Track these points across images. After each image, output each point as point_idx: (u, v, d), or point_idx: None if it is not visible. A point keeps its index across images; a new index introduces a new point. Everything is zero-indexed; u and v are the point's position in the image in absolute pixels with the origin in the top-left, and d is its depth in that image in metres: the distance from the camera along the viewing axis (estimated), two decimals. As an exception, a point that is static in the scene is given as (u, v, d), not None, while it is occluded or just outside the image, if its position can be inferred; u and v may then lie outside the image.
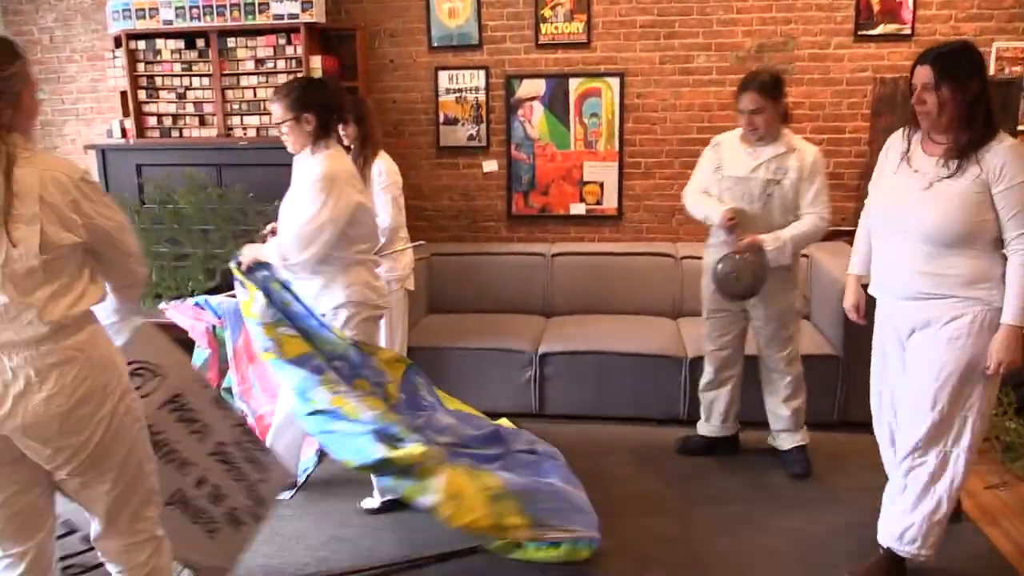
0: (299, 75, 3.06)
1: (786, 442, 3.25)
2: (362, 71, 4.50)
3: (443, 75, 4.54)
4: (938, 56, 2.23)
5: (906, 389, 2.39)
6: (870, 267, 2.53)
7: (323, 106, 2.67)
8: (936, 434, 2.31)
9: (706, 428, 3.39)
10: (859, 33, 4.23)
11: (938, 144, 2.29)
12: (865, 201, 2.61)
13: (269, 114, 4.33)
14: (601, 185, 4.51)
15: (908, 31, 4.20)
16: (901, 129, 2.43)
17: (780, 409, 3.22)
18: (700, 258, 4.12)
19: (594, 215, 4.56)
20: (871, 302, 2.55)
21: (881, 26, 4.21)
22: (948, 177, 2.22)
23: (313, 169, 2.63)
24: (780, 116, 3.03)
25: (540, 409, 3.81)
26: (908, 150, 2.36)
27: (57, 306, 1.68)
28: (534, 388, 3.78)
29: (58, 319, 1.68)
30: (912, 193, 2.28)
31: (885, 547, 2.45)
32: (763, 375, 3.27)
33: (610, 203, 4.53)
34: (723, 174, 3.09)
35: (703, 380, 3.38)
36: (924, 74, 2.23)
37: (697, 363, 3.63)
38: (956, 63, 2.21)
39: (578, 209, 4.56)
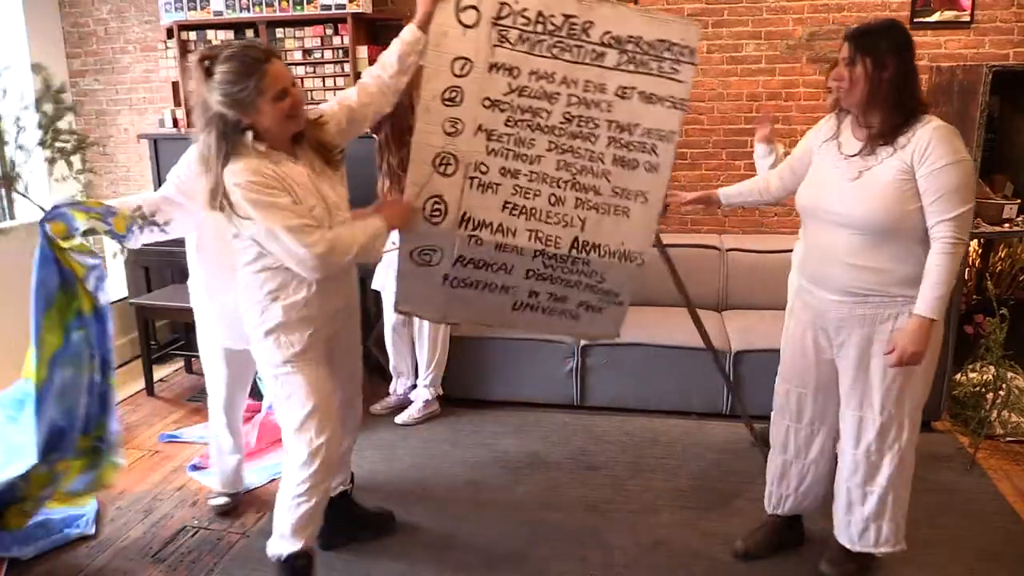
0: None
1: None
2: (407, 61, 4.52)
3: (488, 65, 4.53)
4: (859, 32, 2.18)
5: (848, 392, 2.33)
6: (735, 199, 2.75)
7: None
8: (886, 437, 2.28)
9: None
10: (915, 20, 4.11)
11: (863, 128, 2.22)
12: (785, 161, 2.62)
13: (317, 103, 4.40)
14: (646, 176, 4.47)
15: (967, 18, 4.06)
16: (836, 112, 2.38)
17: None
18: (745, 250, 4.10)
19: (638, 206, 4.52)
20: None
21: (938, 13, 4.09)
22: (875, 165, 2.16)
23: None
24: None
25: (581, 401, 3.80)
26: (838, 133, 2.31)
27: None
28: (576, 379, 3.77)
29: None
30: (840, 182, 2.22)
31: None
32: None
33: (655, 194, 4.47)
34: None
35: None
36: (844, 49, 2.18)
37: (741, 357, 3.59)
38: (876, 40, 2.14)
39: (622, 200, 4.52)
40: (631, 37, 2.31)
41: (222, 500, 3.00)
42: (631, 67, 2.33)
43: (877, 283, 2.19)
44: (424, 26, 2.25)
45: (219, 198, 2.06)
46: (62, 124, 2.48)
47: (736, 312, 4.04)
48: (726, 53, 4.31)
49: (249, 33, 4.46)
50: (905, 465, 2.32)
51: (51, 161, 2.39)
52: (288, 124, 2.09)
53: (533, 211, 2.40)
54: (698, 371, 3.63)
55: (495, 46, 2.27)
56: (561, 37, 2.29)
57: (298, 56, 4.39)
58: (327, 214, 2.16)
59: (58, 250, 2.49)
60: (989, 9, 4.05)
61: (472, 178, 2.34)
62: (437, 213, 2.35)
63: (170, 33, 4.56)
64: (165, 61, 4.64)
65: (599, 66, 2.31)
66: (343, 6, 4.27)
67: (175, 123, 4.65)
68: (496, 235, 2.41)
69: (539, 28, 2.28)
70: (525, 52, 2.28)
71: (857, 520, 2.38)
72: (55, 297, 2.52)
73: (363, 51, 4.31)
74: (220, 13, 4.41)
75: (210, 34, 4.49)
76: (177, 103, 4.64)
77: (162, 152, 4.48)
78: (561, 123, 2.35)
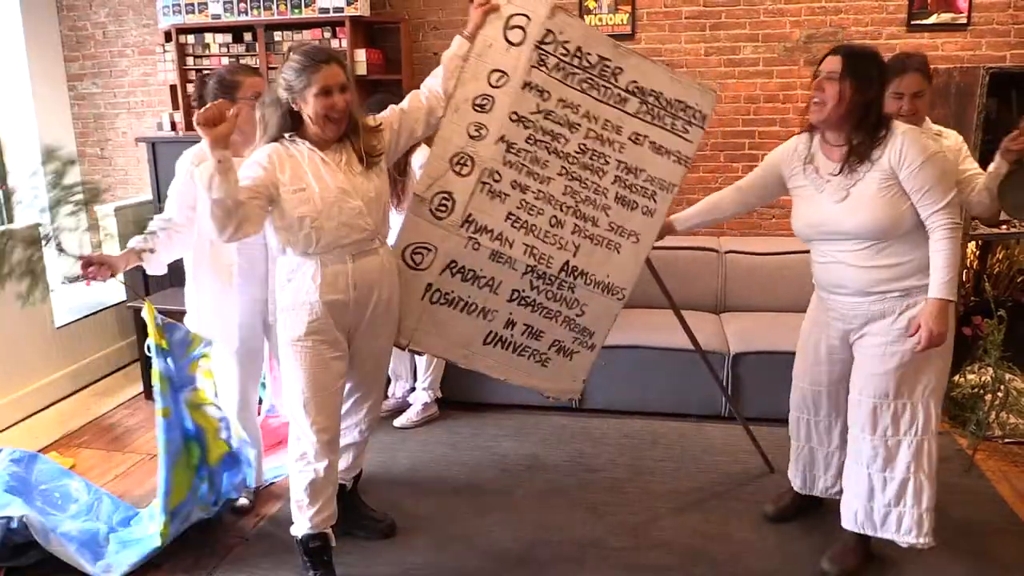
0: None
1: None
2: (406, 64, 4.53)
3: (486, 68, 4.53)
4: (851, 52, 2.29)
5: (864, 380, 2.41)
6: (689, 223, 2.76)
7: None
8: (900, 422, 2.36)
9: None
10: (912, 23, 4.12)
11: (834, 147, 2.35)
12: (749, 176, 2.67)
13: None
14: (644, 178, 4.47)
15: (964, 20, 4.08)
16: (804, 133, 2.48)
17: None
18: (744, 252, 4.10)
19: (636, 208, 4.52)
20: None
21: (935, 15, 4.10)
22: (859, 181, 2.28)
23: None
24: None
25: (579, 403, 3.80)
26: (810, 158, 2.41)
27: None
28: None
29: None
30: (829, 206, 2.34)
31: (857, 532, 2.50)
32: None
33: (653, 196, 4.48)
34: None
35: None
36: (832, 63, 2.27)
37: (739, 359, 3.59)
38: (865, 63, 2.26)
39: (620, 202, 4.52)
40: (653, 91, 2.49)
41: (244, 500, 3.01)
42: (648, 117, 2.51)
43: (891, 278, 2.30)
44: (472, 37, 2.44)
45: None
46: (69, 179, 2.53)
47: (734, 314, 4.04)
48: (724, 56, 4.32)
49: (247, 37, 4.46)
50: (925, 453, 2.37)
51: (74, 213, 2.46)
52: (326, 124, 2.24)
53: (533, 227, 2.51)
54: (696, 373, 3.63)
55: (533, 67, 2.42)
56: (593, 75, 2.45)
57: (296, 59, 4.39)
58: (326, 199, 2.23)
59: (191, 408, 2.70)
60: (986, 11, 4.06)
61: (484, 183, 2.45)
62: (443, 208, 2.45)
63: (168, 36, 4.57)
64: (163, 64, 4.64)
65: (620, 109, 2.49)
66: (341, 9, 4.28)
67: (173, 126, 4.65)
68: (495, 243, 2.49)
69: (575, 62, 2.44)
70: (559, 80, 2.44)
71: (879, 506, 2.43)
72: (180, 452, 2.67)
73: (361, 54, 4.32)
74: (218, 16, 4.41)
75: (208, 37, 4.50)
76: (175, 106, 4.64)
77: (160, 155, 4.47)
78: (576, 152, 2.49)
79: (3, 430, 3.79)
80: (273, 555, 2.70)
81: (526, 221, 2.50)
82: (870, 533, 2.47)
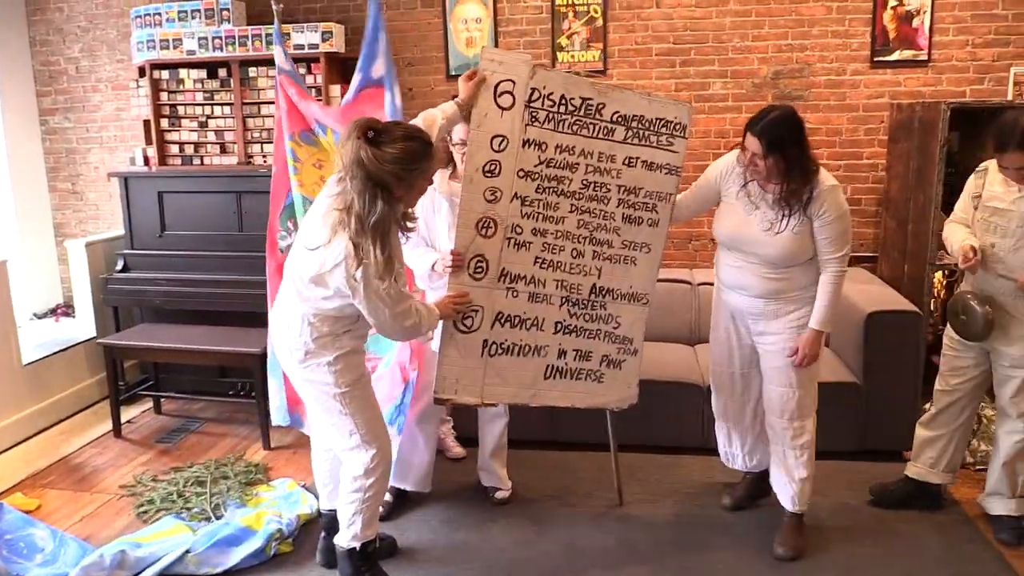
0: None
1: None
2: (380, 99, 4.55)
3: (460, 103, 4.58)
4: (765, 129, 2.56)
5: (770, 373, 2.83)
6: None
7: None
8: (802, 407, 2.80)
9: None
10: (875, 59, 4.24)
11: (771, 184, 2.67)
12: (690, 190, 2.96)
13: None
14: (617, 211, 4.52)
15: (924, 57, 4.20)
16: (738, 155, 2.74)
17: None
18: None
19: (610, 241, 4.55)
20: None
21: (897, 52, 4.22)
22: (784, 218, 2.65)
23: None
24: None
25: (554, 436, 3.78)
26: (746, 183, 2.74)
27: None
28: (551, 415, 3.75)
29: None
30: (756, 232, 2.70)
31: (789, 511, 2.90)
32: None
33: (626, 229, 4.52)
34: (981, 203, 2.84)
35: None
36: (754, 145, 2.58)
37: (715, 390, 3.60)
38: (781, 136, 2.55)
39: (594, 235, 4.56)
40: (635, 116, 2.73)
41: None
42: (635, 140, 2.75)
43: (783, 288, 2.74)
44: (463, 105, 2.60)
45: (388, 271, 2.24)
46: None
47: (708, 346, 4.05)
48: (694, 91, 4.40)
49: (222, 72, 4.47)
50: (815, 430, 2.86)
51: None
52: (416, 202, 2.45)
53: (559, 264, 2.77)
54: (672, 406, 3.64)
55: (527, 125, 2.64)
56: (579, 116, 2.69)
57: (271, 95, 4.40)
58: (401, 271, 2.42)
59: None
60: (945, 48, 4.19)
61: (509, 238, 2.69)
62: (480, 271, 2.68)
63: (142, 72, 4.57)
64: (137, 100, 4.63)
65: (610, 140, 2.73)
66: (316, 46, 4.32)
67: (146, 161, 4.63)
68: (530, 286, 2.75)
69: (562, 108, 2.67)
70: (551, 129, 2.67)
71: (796, 480, 2.84)
72: None
73: (335, 90, 4.35)
74: (193, 52, 4.43)
75: (182, 73, 4.50)
76: (148, 141, 4.63)
77: (132, 190, 4.44)
78: (580, 188, 2.74)
79: (-34, 471, 3.69)
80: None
81: (551, 260, 2.76)
82: (791, 509, 2.85)
